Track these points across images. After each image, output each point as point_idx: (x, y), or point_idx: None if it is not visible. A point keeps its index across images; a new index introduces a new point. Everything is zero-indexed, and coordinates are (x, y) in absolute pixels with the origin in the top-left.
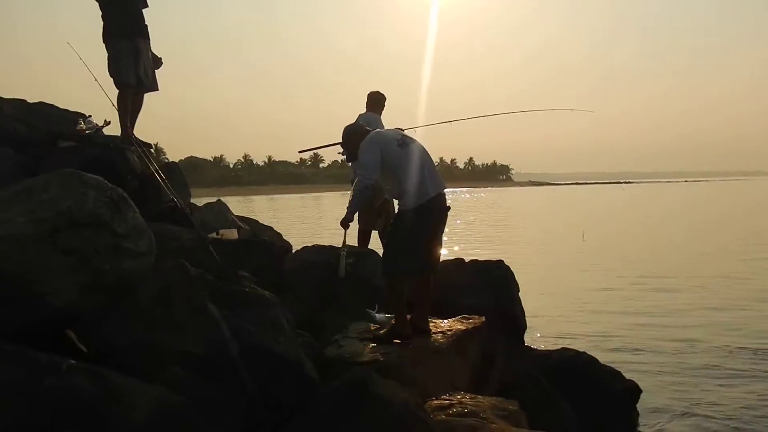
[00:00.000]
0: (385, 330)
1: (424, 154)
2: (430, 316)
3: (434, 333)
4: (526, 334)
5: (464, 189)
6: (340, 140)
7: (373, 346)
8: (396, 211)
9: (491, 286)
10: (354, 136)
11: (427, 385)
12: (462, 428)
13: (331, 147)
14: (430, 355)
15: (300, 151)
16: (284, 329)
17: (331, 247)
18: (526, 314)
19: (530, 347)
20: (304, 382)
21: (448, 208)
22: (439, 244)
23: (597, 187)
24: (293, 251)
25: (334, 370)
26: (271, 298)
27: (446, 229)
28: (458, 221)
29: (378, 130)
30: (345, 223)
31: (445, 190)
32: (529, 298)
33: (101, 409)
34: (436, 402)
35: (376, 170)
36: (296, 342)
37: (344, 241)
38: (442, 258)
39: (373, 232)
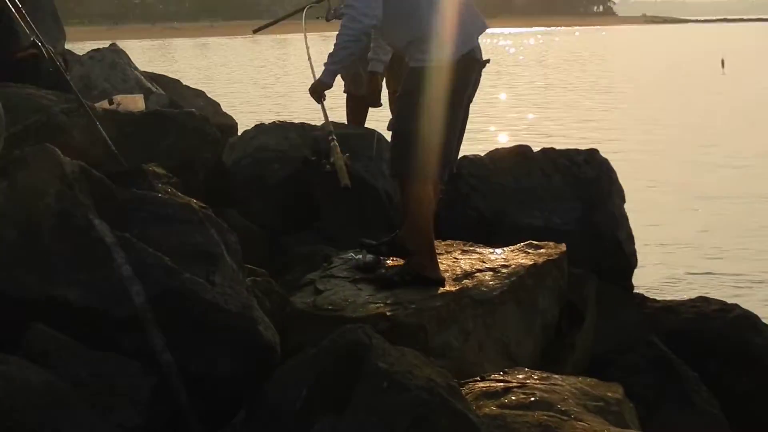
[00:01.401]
0: (393, 267)
1: None
2: (475, 243)
3: (481, 271)
4: (636, 274)
5: (531, 29)
6: None
7: (374, 293)
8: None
9: (578, 193)
10: None
11: (468, 356)
12: (527, 428)
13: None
14: (471, 307)
15: (255, 31)
16: (223, 263)
17: (303, 125)
18: (636, 241)
19: (643, 296)
20: (256, 348)
21: (486, 62)
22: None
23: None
24: (239, 132)
25: (307, 330)
26: (202, 211)
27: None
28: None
29: None
30: (318, 91)
31: (496, 30)
32: (639, 215)
33: None
34: (482, 384)
35: (379, 3)
36: (243, 283)
37: (326, 119)
38: (493, 146)
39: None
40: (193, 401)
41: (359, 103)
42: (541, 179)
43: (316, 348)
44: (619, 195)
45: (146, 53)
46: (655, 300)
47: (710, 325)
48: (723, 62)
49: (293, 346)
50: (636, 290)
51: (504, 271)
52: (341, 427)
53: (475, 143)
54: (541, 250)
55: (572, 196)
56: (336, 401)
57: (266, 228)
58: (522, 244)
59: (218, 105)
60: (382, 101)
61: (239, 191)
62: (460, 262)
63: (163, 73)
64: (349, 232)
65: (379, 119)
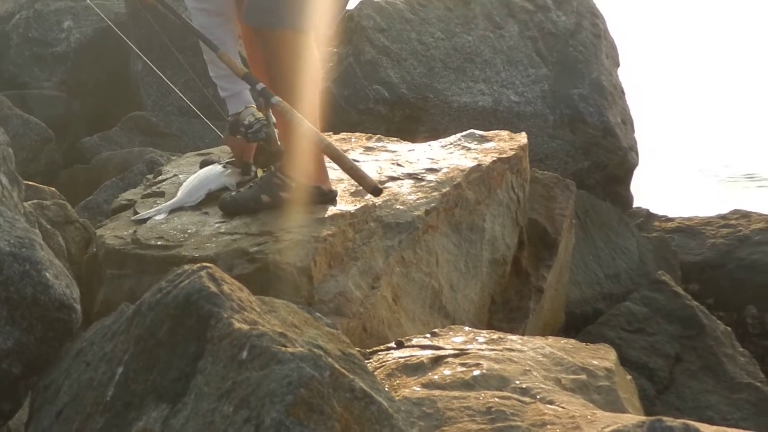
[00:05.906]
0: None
1: None
2: (385, 136)
3: (394, 179)
4: (638, 181)
5: None
6: None
7: (227, 219)
8: None
9: (545, 51)
10: None
11: (376, 311)
12: (468, 416)
13: None
14: (381, 236)
15: None
16: None
17: None
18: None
19: (648, 212)
20: (42, 308)
21: None
22: None
23: None
24: None
25: (123, 278)
26: None
27: None
28: None
29: None
30: None
31: None
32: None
33: None
34: (399, 354)
35: None
36: (20, 207)
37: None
38: None
39: None
40: None
41: None
42: (487, 30)
43: (136, 303)
44: (610, 54)
45: None
46: (666, 217)
47: (753, 251)
48: None
49: (103, 304)
50: (637, 204)
51: (430, 178)
52: (177, 424)
53: None
54: (489, 144)
55: (537, 57)
56: (170, 384)
57: (55, 121)
58: (459, 135)
59: None
60: None
61: (11, 64)
62: (363, 166)
63: None
64: (188, 124)
65: None
